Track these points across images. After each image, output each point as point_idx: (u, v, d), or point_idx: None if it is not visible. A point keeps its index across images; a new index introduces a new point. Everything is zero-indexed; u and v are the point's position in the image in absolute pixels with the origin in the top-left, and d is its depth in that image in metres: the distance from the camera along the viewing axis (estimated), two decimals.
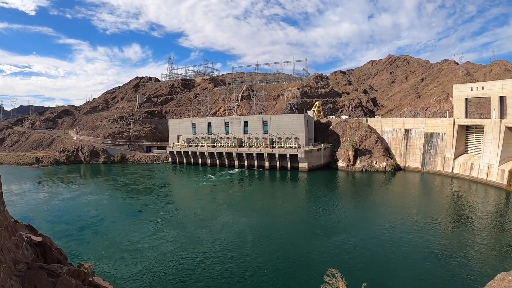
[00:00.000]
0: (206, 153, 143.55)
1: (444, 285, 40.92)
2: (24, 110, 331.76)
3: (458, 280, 41.43)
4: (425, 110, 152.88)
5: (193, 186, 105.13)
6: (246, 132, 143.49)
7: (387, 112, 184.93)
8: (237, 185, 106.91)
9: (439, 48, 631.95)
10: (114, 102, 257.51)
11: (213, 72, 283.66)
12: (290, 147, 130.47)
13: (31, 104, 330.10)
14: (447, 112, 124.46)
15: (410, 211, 74.29)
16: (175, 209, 78.59)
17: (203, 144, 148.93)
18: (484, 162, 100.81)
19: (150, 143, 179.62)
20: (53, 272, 14.99)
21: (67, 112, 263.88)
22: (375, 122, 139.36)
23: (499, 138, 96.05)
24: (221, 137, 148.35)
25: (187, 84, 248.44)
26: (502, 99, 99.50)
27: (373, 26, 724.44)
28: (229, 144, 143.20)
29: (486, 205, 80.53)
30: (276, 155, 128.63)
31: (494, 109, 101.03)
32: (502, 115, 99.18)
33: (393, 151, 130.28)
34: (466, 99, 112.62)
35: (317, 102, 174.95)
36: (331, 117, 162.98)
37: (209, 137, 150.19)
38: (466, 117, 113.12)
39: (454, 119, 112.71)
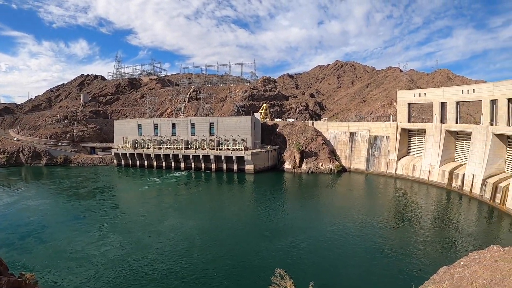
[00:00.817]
0: (152, 155, 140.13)
1: (391, 280, 42.30)
2: None
3: (404, 275, 42.92)
4: (370, 114, 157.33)
5: (139, 189, 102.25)
6: (193, 134, 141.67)
7: (333, 115, 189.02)
8: (184, 187, 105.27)
9: (385, 56, 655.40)
10: (57, 100, 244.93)
11: (161, 72, 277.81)
12: (237, 149, 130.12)
13: None
14: (391, 116, 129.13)
15: (356, 211, 76.52)
16: (121, 213, 75.93)
17: (149, 146, 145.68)
18: (425, 163, 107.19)
19: (94, 145, 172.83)
20: None
21: (7, 110, 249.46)
22: (321, 125, 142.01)
23: (439, 141, 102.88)
24: (168, 139, 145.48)
25: (134, 83, 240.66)
26: (443, 105, 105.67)
27: (322, 32, 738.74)
28: (176, 146, 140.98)
29: (428, 203, 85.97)
30: (223, 157, 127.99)
31: (435, 114, 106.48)
32: (443, 119, 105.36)
33: (338, 153, 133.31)
34: (409, 104, 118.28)
35: (264, 105, 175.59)
36: (278, 120, 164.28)
37: (155, 139, 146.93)
38: (409, 121, 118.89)
39: (397, 123, 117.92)
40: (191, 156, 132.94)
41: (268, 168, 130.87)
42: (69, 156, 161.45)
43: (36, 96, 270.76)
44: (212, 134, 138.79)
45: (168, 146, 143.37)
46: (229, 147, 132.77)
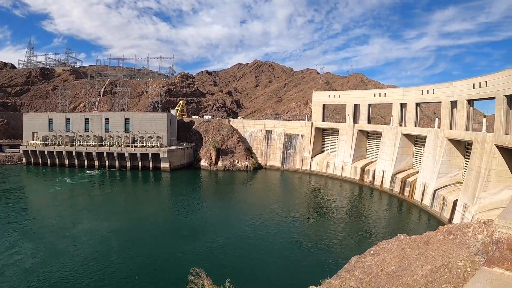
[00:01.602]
0: (64, 153, 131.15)
1: (308, 271, 44.22)
2: None
3: (320, 266, 45.26)
4: (286, 113, 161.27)
5: (50, 190, 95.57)
6: (107, 130, 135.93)
7: (250, 113, 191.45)
8: (98, 188, 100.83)
9: (303, 58, 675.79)
10: None
11: (76, 63, 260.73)
12: (153, 147, 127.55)
13: None
14: (306, 116, 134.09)
15: (273, 207, 78.91)
16: (31, 218, 70.22)
17: (61, 143, 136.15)
18: (339, 160, 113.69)
19: (1, 141, 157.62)
20: None
21: None
22: (237, 123, 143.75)
23: (352, 140, 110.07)
24: (81, 135, 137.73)
25: (46, 74, 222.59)
26: (356, 106, 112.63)
27: (244, 31, 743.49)
28: (89, 143, 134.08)
29: (342, 198, 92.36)
30: (138, 155, 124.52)
31: (348, 115, 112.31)
32: (356, 120, 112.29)
33: (254, 151, 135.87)
34: (324, 105, 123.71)
35: (181, 101, 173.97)
36: (194, 117, 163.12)
37: (67, 135, 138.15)
38: (323, 121, 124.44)
39: (312, 122, 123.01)
40: (105, 154, 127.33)
41: (184, 166, 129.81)
42: None
43: None
44: (127, 130, 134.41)
45: (81, 143, 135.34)
46: (144, 144, 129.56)
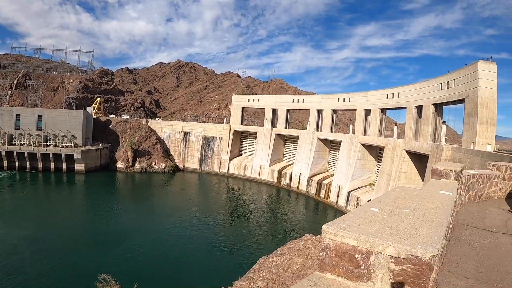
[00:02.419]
0: None
1: (221, 273, 44.35)
2: None
3: (235, 267, 45.50)
4: (205, 116, 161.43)
5: None
6: (18, 127, 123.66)
7: (169, 114, 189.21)
8: (7, 191, 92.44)
9: (226, 61, 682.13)
10: None
11: None
12: (66, 146, 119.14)
13: None
14: (225, 118, 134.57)
15: (191, 209, 79.09)
16: None
17: None
18: (256, 163, 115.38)
19: None
20: None
21: None
22: (155, 124, 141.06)
23: (270, 143, 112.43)
24: None
25: None
26: (274, 111, 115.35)
27: (169, 29, 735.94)
28: None
29: (259, 200, 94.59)
30: (51, 155, 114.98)
31: (267, 119, 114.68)
32: (274, 124, 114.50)
33: (172, 153, 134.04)
34: (243, 108, 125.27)
35: (98, 99, 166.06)
36: (112, 116, 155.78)
37: None
38: (242, 124, 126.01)
39: (231, 125, 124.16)
40: (15, 153, 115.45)
41: (100, 168, 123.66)
42: None
43: None
44: (39, 128, 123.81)
45: None
46: (58, 144, 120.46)
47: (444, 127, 65.84)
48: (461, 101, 59.21)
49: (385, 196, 7.79)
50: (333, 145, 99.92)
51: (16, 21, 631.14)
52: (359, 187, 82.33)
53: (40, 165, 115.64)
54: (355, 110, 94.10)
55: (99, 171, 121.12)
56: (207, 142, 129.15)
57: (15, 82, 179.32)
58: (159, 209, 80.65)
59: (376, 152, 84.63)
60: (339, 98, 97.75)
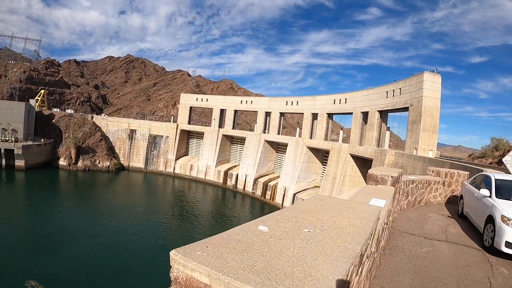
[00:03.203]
0: None
1: (163, 274, 41.99)
2: None
3: None
4: (153, 113, 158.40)
5: None
6: None
7: (116, 111, 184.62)
8: None
9: (177, 59, 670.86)
10: None
11: None
12: (6, 141, 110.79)
13: None
14: (173, 117, 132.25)
15: (136, 210, 76.31)
16: None
17: None
18: (203, 163, 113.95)
19: None
20: None
21: None
22: (101, 120, 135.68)
23: (216, 143, 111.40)
24: None
25: None
26: (222, 111, 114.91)
27: (122, 22, 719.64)
28: None
29: (206, 200, 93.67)
30: None
31: (214, 119, 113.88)
32: (221, 124, 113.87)
33: (117, 151, 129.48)
34: (191, 107, 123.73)
35: (42, 91, 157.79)
36: (55, 110, 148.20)
37: None
38: (189, 123, 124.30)
39: (178, 124, 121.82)
40: None
41: (41, 164, 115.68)
42: None
43: None
44: None
45: None
46: None
47: (388, 133, 66.87)
48: (406, 109, 60.62)
49: (291, 208, 5.87)
50: (279, 148, 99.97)
51: None
52: (305, 189, 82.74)
53: None
54: (303, 113, 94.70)
55: (40, 168, 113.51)
56: (154, 141, 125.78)
57: None
58: (102, 209, 76.81)
59: (322, 155, 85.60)
60: (287, 101, 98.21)
